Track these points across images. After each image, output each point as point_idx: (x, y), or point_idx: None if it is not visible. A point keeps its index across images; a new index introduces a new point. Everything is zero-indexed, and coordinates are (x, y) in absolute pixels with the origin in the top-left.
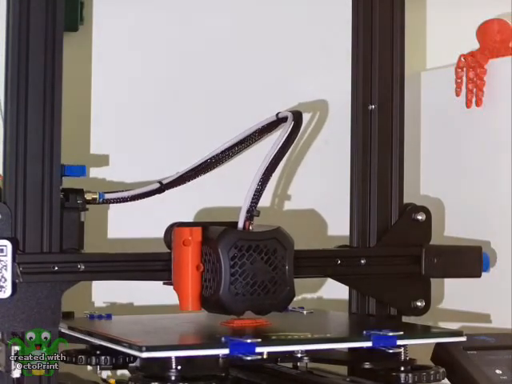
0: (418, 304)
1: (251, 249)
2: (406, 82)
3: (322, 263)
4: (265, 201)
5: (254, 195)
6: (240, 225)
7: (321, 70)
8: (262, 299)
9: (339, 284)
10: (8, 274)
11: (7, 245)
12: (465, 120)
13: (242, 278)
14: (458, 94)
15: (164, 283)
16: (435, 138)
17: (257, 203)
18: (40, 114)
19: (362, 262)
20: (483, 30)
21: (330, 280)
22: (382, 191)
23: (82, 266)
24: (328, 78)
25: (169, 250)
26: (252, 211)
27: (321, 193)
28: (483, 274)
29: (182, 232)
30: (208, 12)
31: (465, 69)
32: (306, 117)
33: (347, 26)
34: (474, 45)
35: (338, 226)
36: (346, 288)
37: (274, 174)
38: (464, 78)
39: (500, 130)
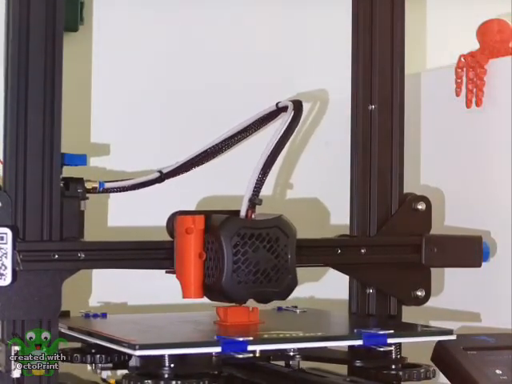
0: (419, 294)
1: (253, 237)
2: (406, 82)
3: (322, 252)
4: (267, 189)
5: (256, 184)
6: (242, 213)
7: (322, 68)
8: (264, 287)
9: (338, 283)
10: (8, 262)
11: (7, 232)
12: (465, 120)
13: (244, 266)
14: (457, 94)
15: (166, 271)
16: (435, 138)
17: (259, 192)
18: (40, 109)
19: (362, 251)
20: (483, 30)
21: (328, 278)
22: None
23: (82, 255)
24: (329, 74)
25: (171, 239)
26: (254, 200)
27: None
28: (483, 264)
29: (185, 220)
30: (209, 8)
31: (465, 69)
32: (306, 106)
33: (348, 25)
34: (474, 45)
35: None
36: (346, 288)
37: (276, 163)
38: (464, 78)
39: (500, 129)
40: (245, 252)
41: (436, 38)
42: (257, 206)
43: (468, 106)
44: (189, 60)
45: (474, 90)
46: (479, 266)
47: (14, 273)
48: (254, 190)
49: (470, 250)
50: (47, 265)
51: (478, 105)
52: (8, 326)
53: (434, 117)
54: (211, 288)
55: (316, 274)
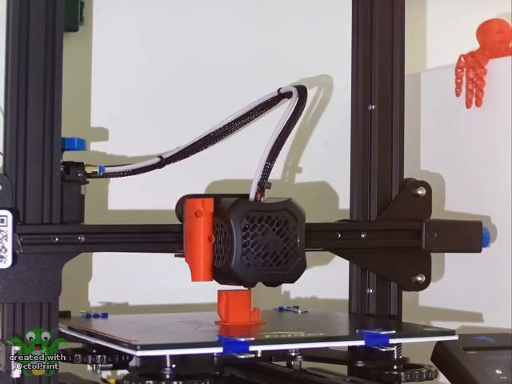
0: (419, 279)
1: (263, 220)
2: (406, 82)
3: (322, 237)
4: (276, 173)
5: (265, 168)
6: (251, 196)
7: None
8: (273, 270)
9: (338, 282)
10: (8, 245)
11: (8, 215)
12: (465, 120)
13: (253, 249)
14: (458, 94)
15: (175, 255)
16: (435, 139)
17: (267, 176)
18: (40, 105)
19: (363, 236)
20: (483, 30)
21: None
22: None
23: (82, 238)
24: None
25: (179, 222)
26: (263, 183)
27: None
28: (483, 257)
29: (195, 203)
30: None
31: (465, 69)
32: (311, 92)
33: (348, 25)
34: (474, 45)
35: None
36: (346, 288)
37: (284, 147)
38: (464, 78)
39: (500, 130)
40: (254, 235)
41: (436, 38)
42: (266, 190)
43: (468, 106)
44: (189, 52)
45: (474, 90)
46: (479, 251)
47: (15, 255)
48: (262, 174)
49: (470, 235)
50: (47, 248)
51: (478, 105)
52: (8, 325)
53: (434, 117)
54: (220, 271)
55: (317, 275)
